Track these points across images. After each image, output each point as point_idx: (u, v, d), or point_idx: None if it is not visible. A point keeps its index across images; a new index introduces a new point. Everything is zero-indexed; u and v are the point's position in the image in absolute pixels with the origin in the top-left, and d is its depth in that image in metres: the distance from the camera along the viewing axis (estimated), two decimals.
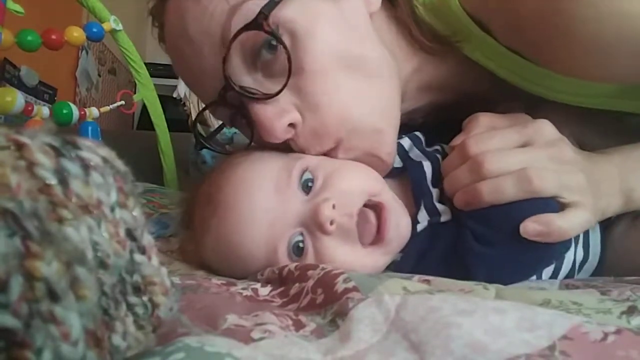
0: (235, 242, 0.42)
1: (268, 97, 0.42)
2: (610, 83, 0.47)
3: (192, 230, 0.49)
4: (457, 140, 0.45)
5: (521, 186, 0.39)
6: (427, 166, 0.48)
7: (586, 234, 0.47)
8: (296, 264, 0.39)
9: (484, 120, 0.44)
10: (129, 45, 1.24)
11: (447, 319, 0.23)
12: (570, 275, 0.46)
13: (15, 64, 1.66)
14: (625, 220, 0.47)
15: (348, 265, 0.38)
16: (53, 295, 0.15)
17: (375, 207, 0.43)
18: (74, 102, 1.54)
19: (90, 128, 1.09)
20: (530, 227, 0.39)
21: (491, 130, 0.43)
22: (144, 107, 1.51)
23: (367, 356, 0.23)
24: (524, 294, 0.33)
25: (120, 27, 1.15)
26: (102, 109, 1.15)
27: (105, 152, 0.19)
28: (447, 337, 0.22)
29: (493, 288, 0.33)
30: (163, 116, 1.40)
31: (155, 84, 1.38)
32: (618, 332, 0.22)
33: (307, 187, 0.43)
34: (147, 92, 1.33)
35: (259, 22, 0.40)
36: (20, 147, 0.16)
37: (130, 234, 0.19)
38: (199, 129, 0.53)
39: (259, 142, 0.46)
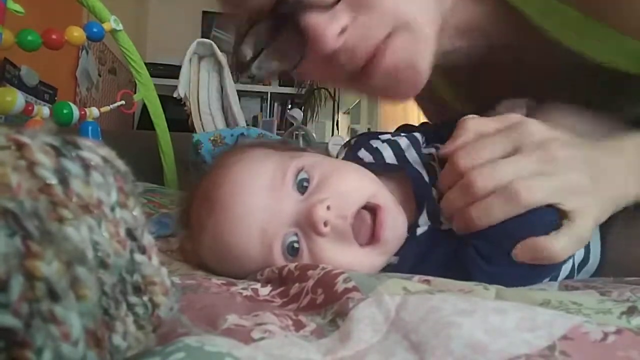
0: (231, 242, 0.42)
1: (325, 4, 0.42)
2: None
3: (190, 229, 0.49)
4: (446, 149, 0.44)
5: (510, 203, 0.38)
6: (425, 175, 0.48)
7: None
8: (296, 264, 0.39)
9: (472, 125, 0.43)
10: (129, 45, 1.24)
11: (447, 319, 0.23)
12: (570, 276, 0.46)
13: (15, 63, 1.66)
14: (624, 220, 0.47)
15: (344, 265, 0.38)
16: (53, 295, 0.15)
17: (371, 208, 0.43)
18: (74, 102, 1.54)
19: (90, 128, 1.09)
20: (520, 254, 0.38)
21: (479, 137, 0.42)
22: (144, 107, 1.52)
23: (367, 356, 0.23)
24: (524, 294, 0.33)
25: (120, 27, 1.16)
26: (103, 109, 1.15)
27: (106, 151, 0.19)
28: (447, 337, 0.22)
29: (493, 288, 0.33)
30: (163, 116, 1.40)
31: (155, 84, 1.38)
32: (618, 332, 0.22)
33: (302, 186, 0.43)
34: (147, 92, 1.33)
35: None
36: (20, 146, 0.16)
37: (130, 234, 0.19)
38: (241, 51, 0.50)
39: (303, 69, 0.46)
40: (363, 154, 0.53)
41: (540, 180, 0.38)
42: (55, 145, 0.17)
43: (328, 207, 0.40)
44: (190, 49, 1.93)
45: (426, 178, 0.47)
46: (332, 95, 3.52)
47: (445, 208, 0.43)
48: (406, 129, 0.61)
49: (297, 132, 1.83)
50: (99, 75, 2.78)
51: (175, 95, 1.92)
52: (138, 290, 0.19)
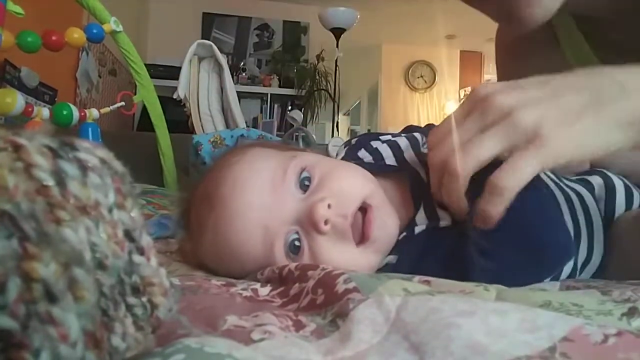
0: (232, 239, 0.42)
1: None
2: None
3: (190, 229, 0.49)
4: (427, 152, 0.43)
5: (466, 161, 0.37)
6: (424, 175, 0.48)
7: (590, 234, 0.47)
8: (296, 264, 0.39)
9: (444, 122, 0.42)
10: (129, 47, 1.24)
11: (447, 320, 0.23)
12: (572, 275, 0.46)
13: (15, 65, 1.66)
14: (628, 220, 0.47)
15: (343, 264, 0.38)
16: (51, 297, 0.15)
17: (363, 208, 0.43)
18: (74, 103, 1.54)
19: (90, 129, 1.09)
20: (481, 215, 0.37)
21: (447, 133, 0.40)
22: (144, 108, 1.52)
23: (367, 357, 0.23)
24: (524, 295, 0.33)
25: (120, 28, 1.16)
26: (102, 110, 1.15)
27: (103, 153, 0.19)
28: (448, 338, 0.22)
29: (494, 289, 0.33)
30: (163, 117, 1.40)
31: (155, 85, 1.38)
32: (619, 334, 0.22)
33: (304, 185, 0.43)
34: (147, 93, 1.33)
35: None
36: (17, 148, 0.16)
37: (128, 235, 0.19)
38: None
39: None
40: (363, 154, 0.53)
41: (494, 132, 0.37)
42: (53, 146, 0.17)
43: (329, 206, 0.40)
44: (190, 50, 1.93)
45: (424, 177, 0.47)
46: (332, 96, 3.53)
47: (435, 195, 0.43)
48: (410, 129, 0.61)
49: (297, 134, 1.83)
50: (99, 77, 2.78)
51: (175, 96, 1.92)
52: (137, 291, 0.19)
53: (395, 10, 4.22)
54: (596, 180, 0.52)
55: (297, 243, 0.42)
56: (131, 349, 0.19)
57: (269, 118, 4.05)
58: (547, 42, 0.57)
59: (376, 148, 0.53)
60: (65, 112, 1.01)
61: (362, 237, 0.43)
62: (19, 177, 0.15)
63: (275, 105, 4.23)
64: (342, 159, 0.54)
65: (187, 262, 0.50)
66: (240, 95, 2.68)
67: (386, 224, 0.44)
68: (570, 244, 0.43)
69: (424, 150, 0.51)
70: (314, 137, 1.95)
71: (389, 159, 0.51)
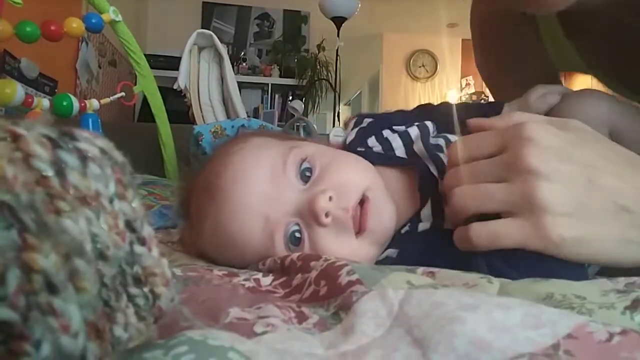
0: (232, 229, 0.42)
1: None
2: None
3: (190, 219, 0.49)
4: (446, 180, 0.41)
5: (468, 204, 0.37)
6: (433, 169, 0.47)
7: None
8: (298, 254, 0.39)
9: (465, 151, 0.40)
10: (129, 37, 1.24)
11: (451, 315, 0.23)
12: None
13: (15, 55, 1.65)
14: None
15: (343, 256, 0.38)
16: (51, 288, 0.15)
17: (361, 200, 0.43)
18: (75, 94, 1.54)
19: (90, 120, 1.09)
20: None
21: (469, 165, 0.39)
22: (145, 98, 1.51)
23: (370, 351, 0.23)
24: (527, 287, 0.32)
25: (119, 18, 1.15)
26: (103, 101, 1.15)
27: (103, 143, 0.18)
28: (451, 333, 0.22)
29: (497, 282, 0.33)
30: (163, 108, 1.39)
31: (155, 76, 1.38)
32: (623, 333, 0.21)
33: (305, 176, 0.43)
34: (147, 84, 1.33)
35: None
36: (16, 138, 0.16)
37: (129, 226, 0.18)
38: None
39: None
40: (373, 142, 0.52)
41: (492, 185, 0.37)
42: (52, 136, 0.17)
43: (330, 198, 0.40)
44: (190, 40, 1.92)
45: (433, 170, 0.47)
46: (333, 86, 3.51)
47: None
48: (425, 108, 0.60)
49: (298, 124, 1.82)
50: (99, 67, 2.77)
51: (175, 86, 1.91)
52: (138, 281, 0.19)
53: None
54: None
55: (297, 234, 0.42)
56: (134, 339, 0.19)
57: (270, 108, 4.04)
58: (524, 19, 0.57)
59: (386, 138, 0.52)
60: (65, 103, 1.01)
61: (359, 229, 0.42)
62: (18, 168, 0.15)
63: (276, 96, 4.22)
64: (351, 142, 0.53)
65: (188, 252, 0.50)
66: (241, 86, 2.67)
67: (381, 215, 0.44)
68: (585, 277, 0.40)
69: (435, 141, 0.50)
70: (315, 127, 1.95)
71: (399, 150, 0.50)
